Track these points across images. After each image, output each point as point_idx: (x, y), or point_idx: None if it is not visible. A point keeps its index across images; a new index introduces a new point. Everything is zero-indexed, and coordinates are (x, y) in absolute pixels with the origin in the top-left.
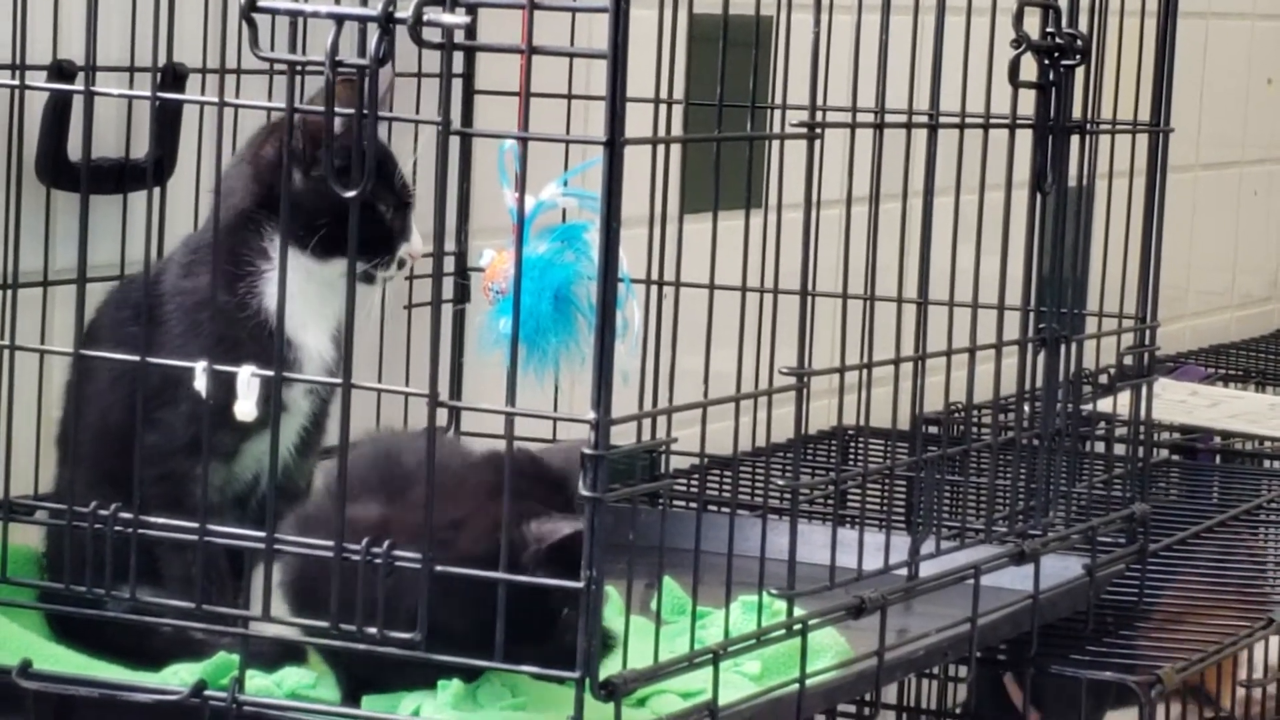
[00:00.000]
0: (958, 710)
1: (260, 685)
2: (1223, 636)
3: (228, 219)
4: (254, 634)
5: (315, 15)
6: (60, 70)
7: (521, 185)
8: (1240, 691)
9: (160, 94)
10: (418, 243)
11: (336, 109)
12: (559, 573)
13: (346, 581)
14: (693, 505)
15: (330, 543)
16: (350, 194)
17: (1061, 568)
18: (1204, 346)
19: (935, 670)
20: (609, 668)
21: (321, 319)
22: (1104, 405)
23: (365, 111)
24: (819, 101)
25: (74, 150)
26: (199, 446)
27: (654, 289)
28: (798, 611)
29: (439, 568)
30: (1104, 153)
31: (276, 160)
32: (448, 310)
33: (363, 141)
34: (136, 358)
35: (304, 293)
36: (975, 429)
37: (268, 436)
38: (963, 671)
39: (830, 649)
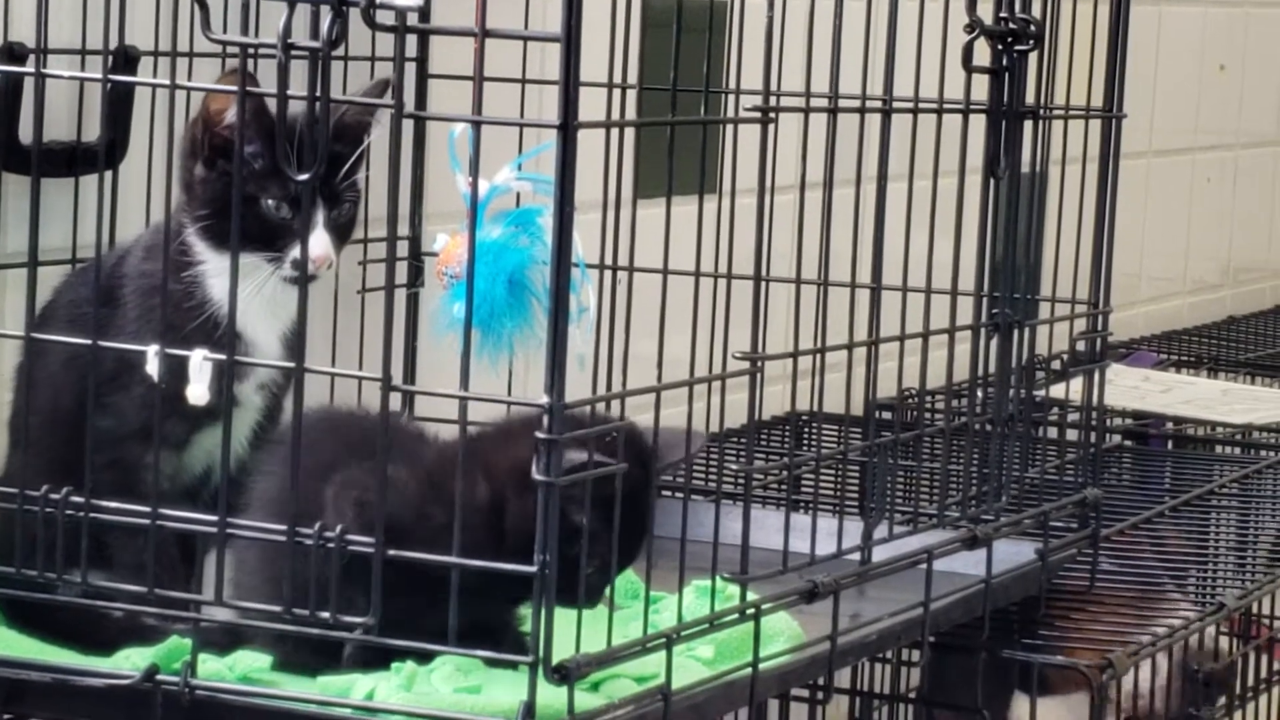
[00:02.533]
0: (910, 695)
1: (212, 669)
2: (1173, 621)
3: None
4: (206, 619)
5: None
6: (11, 52)
7: (475, 169)
8: (1126, 687)
9: (112, 76)
10: (317, 247)
11: (287, 93)
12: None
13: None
14: None
15: (284, 526)
16: (303, 177)
17: (1014, 552)
18: (1156, 332)
19: (888, 654)
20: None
21: (270, 317)
22: (1056, 391)
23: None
24: (773, 86)
25: (25, 133)
26: (150, 433)
27: (608, 273)
28: (751, 596)
29: (391, 552)
30: (1057, 138)
31: (187, 150)
32: (401, 295)
33: (295, 126)
34: (89, 341)
35: (241, 286)
36: (928, 414)
37: (218, 428)
38: (915, 656)
39: (783, 633)
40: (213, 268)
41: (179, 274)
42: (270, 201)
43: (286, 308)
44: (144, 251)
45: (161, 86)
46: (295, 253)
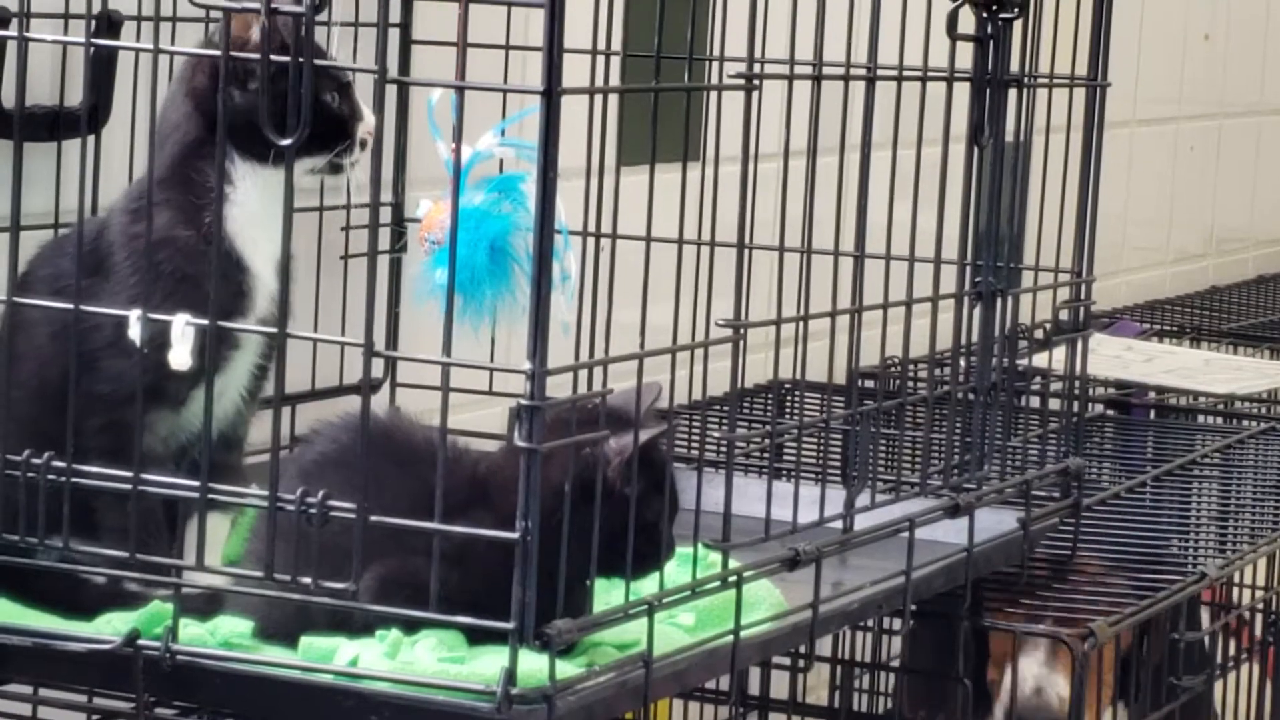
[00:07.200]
0: (892, 663)
1: (193, 634)
2: (1155, 591)
3: (176, 154)
4: (188, 584)
5: None
6: None
7: (458, 135)
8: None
9: (95, 40)
10: (370, 118)
11: (270, 55)
12: (648, 479)
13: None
14: None
15: (265, 493)
16: (285, 142)
17: (996, 521)
18: (1139, 302)
19: (870, 623)
20: None
21: (266, 242)
22: (1039, 360)
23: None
24: (757, 53)
25: (7, 97)
26: (150, 395)
27: (590, 241)
28: (733, 563)
29: (373, 518)
30: (1041, 107)
31: (212, 88)
32: (384, 261)
33: (299, 88)
34: (73, 307)
35: (265, 207)
36: (911, 383)
37: (219, 383)
38: (897, 624)
39: (765, 601)
40: (252, 183)
41: (196, 219)
42: (326, 96)
43: (275, 230)
44: (129, 215)
45: (145, 51)
46: (360, 132)
